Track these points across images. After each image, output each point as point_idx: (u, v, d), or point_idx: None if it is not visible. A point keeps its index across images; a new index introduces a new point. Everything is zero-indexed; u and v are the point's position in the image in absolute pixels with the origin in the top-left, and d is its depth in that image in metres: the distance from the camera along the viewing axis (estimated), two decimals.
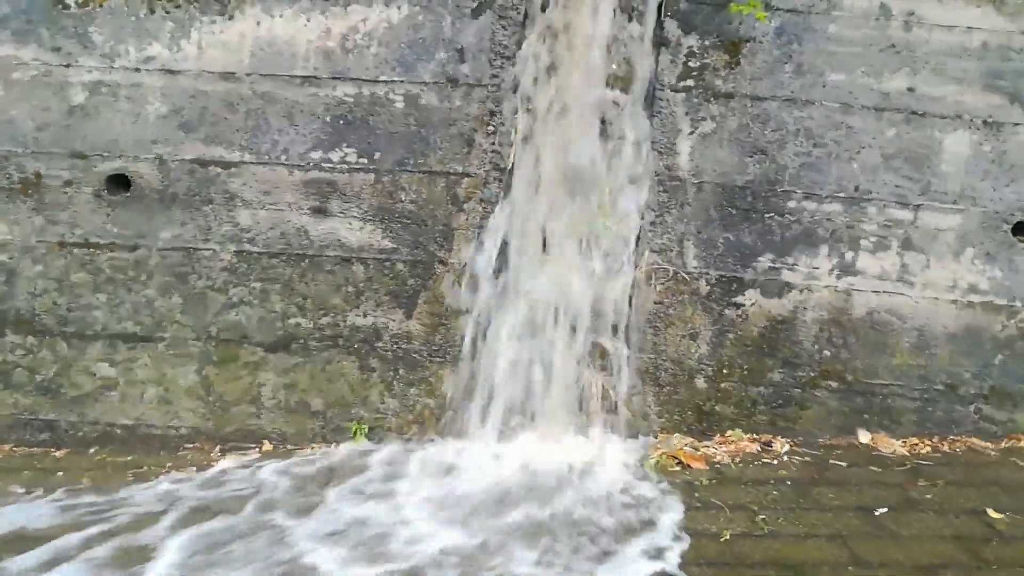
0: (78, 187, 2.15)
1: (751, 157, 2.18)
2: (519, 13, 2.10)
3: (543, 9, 2.08)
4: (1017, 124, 2.17)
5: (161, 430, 2.25)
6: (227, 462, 2.10)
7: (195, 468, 2.08)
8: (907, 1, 2.12)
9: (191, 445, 2.21)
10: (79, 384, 2.25)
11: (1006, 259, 2.22)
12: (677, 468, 2.10)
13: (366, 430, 2.23)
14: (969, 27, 2.12)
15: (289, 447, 2.21)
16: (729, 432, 2.27)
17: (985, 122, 2.16)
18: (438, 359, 2.25)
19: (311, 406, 2.26)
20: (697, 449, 2.20)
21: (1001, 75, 2.14)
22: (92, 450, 2.20)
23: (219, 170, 2.15)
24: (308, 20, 2.09)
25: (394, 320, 2.23)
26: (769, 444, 2.24)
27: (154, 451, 2.19)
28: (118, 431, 2.25)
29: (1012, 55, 2.13)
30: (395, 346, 2.25)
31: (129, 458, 2.15)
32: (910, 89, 2.15)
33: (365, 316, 2.23)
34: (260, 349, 2.23)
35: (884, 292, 2.24)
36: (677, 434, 2.26)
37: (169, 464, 2.10)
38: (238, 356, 2.23)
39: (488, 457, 2.12)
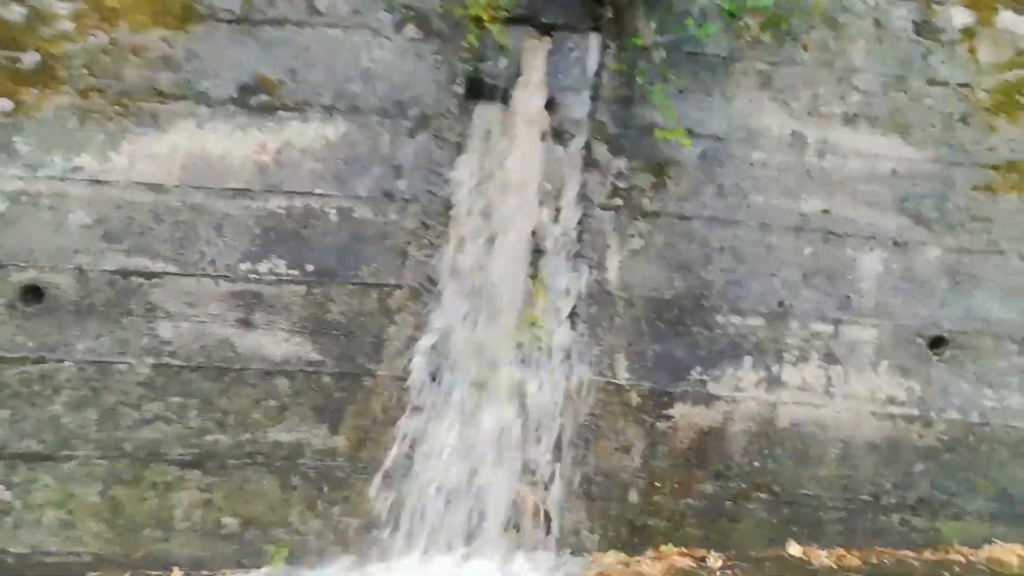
0: None
1: (677, 272, 2.24)
2: (455, 134, 2.15)
3: (479, 134, 2.14)
4: (923, 243, 2.30)
5: (60, 557, 2.08)
6: None
7: None
8: (821, 130, 2.27)
9: (94, 573, 2.05)
10: None
11: (922, 372, 2.31)
12: None
13: (286, 553, 2.12)
14: (878, 155, 2.27)
15: (203, 573, 2.08)
16: (662, 547, 2.24)
17: (895, 242, 2.29)
18: (364, 476, 2.17)
19: (227, 528, 2.14)
20: (629, 566, 2.16)
21: (908, 198, 2.29)
22: None
23: (141, 281, 2.09)
24: (244, 134, 2.09)
25: (318, 436, 2.16)
26: (703, 559, 2.22)
27: None
28: (10, 560, 2.07)
29: (918, 180, 2.29)
30: (319, 463, 2.17)
31: None
32: (825, 211, 2.28)
33: (289, 432, 2.15)
34: (174, 467, 2.12)
35: (808, 404, 2.29)
36: (611, 550, 2.22)
37: None
38: (149, 475, 2.11)
39: None
